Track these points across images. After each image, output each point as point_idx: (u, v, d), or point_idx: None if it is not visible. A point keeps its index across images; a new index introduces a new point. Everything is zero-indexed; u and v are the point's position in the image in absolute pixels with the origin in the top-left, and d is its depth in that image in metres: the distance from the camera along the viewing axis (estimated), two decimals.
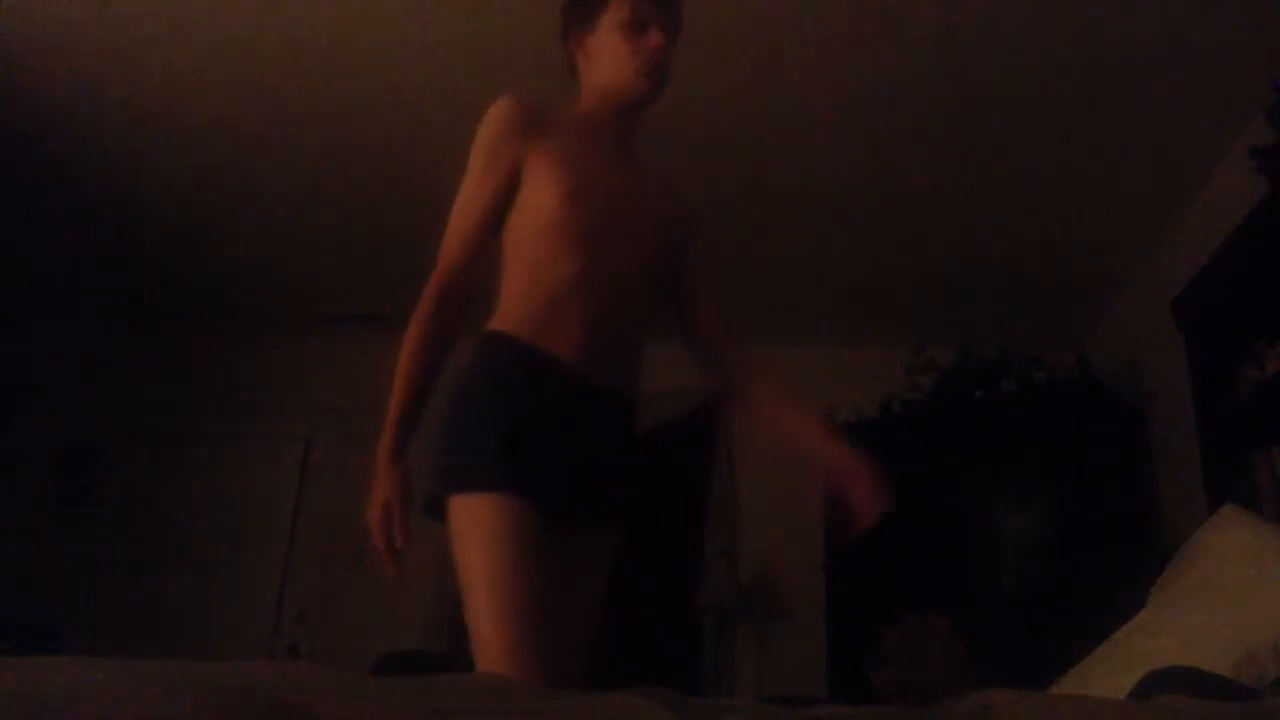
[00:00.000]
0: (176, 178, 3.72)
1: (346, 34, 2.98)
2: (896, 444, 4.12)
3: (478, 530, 1.49)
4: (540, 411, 1.57)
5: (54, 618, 4.15)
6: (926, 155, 3.40)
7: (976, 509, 3.87)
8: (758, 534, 4.46)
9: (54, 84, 3.24)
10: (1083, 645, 2.18)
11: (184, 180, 3.74)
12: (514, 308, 1.65)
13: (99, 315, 4.82)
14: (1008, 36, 2.85)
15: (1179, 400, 3.24)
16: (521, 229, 1.66)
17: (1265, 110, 2.63)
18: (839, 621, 4.01)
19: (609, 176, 1.72)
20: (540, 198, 1.64)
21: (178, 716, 0.56)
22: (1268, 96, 2.61)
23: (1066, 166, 3.41)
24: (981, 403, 4.04)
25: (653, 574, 4.09)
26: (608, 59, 1.74)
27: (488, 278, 1.70)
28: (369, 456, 1.69)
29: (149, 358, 4.90)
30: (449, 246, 1.67)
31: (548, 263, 1.63)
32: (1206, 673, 1.31)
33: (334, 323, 4.76)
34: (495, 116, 1.71)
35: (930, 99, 3.13)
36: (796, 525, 4.34)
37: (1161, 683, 1.23)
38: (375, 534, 1.58)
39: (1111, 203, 3.58)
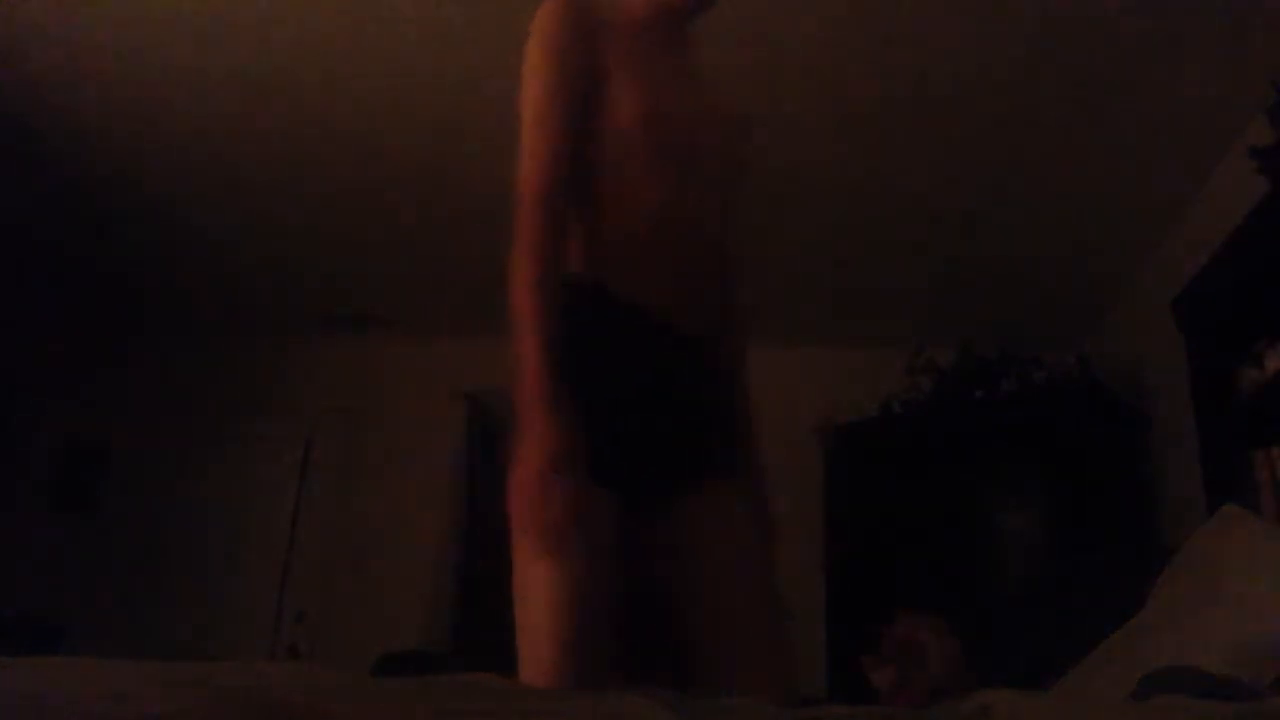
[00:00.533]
0: (177, 178, 3.72)
1: (349, 34, 2.98)
2: (896, 444, 4.14)
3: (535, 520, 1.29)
4: (624, 373, 1.38)
5: (54, 618, 4.15)
6: (926, 155, 3.40)
7: (976, 509, 3.87)
8: None
9: (55, 84, 3.24)
10: (1083, 645, 2.17)
11: (184, 180, 3.74)
12: (589, 249, 1.42)
13: (99, 315, 4.82)
14: (1008, 36, 2.85)
15: (1179, 400, 3.24)
16: (593, 156, 1.43)
17: (1265, 110, 2.63)
18: (839, 621, 4.01)
19: (680, 91, 1.53)
20: (616, 118, 1.43)
21: (178, 716, 0.56)
22: (1268, 96, 2.61)
23: (1067, 166, 3.41)
24: (981, 403, 4.04)
25: None
26: None
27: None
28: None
29: (149, 358, 4.90)
30: (538, 153, 1.40)
31: (627, 195, 1.42)
32: (1206, 673, 1.30)
33: (334, 323, 4.76)
34: (552, 17, 1.46)
35: (930, 99, 3.13)
36: (796, 525, 4.34)
37: (1161, 683, 1.23)
38: (533, 506, 1.24)
39: (1111, 203, 3.58)
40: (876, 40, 2.90)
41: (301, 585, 4.53)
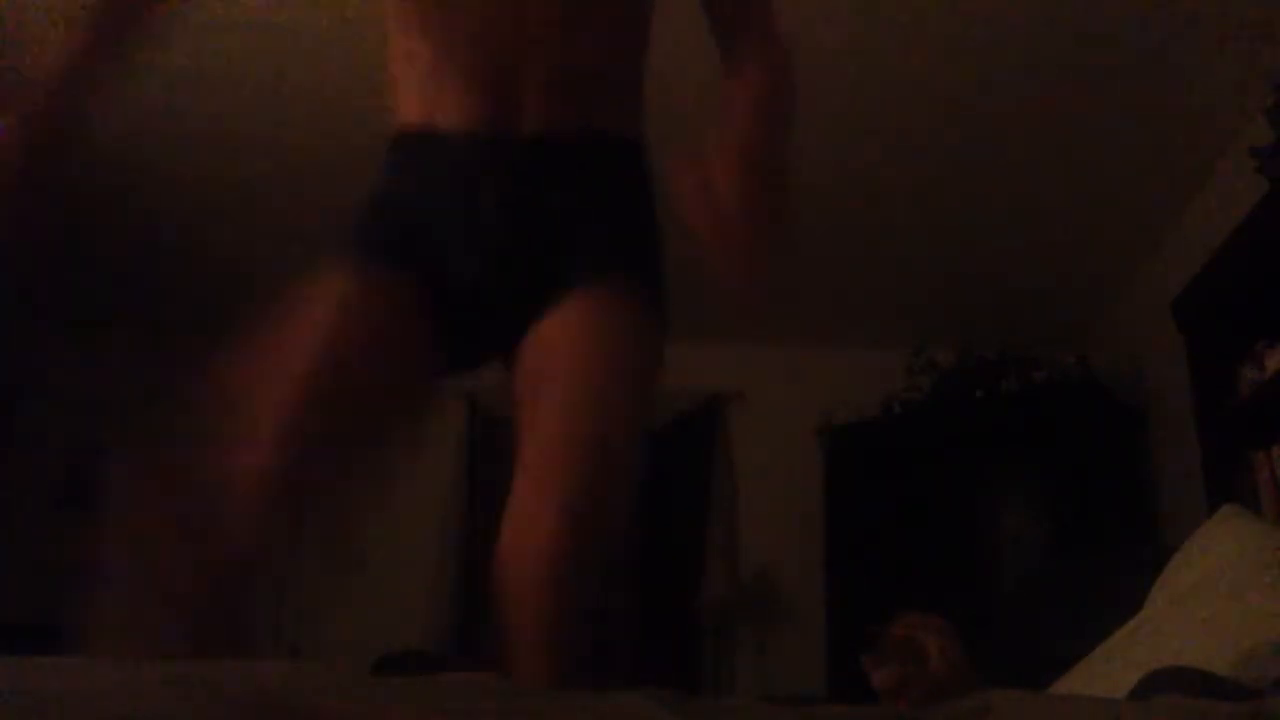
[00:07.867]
0: (176, 178, 3.72)
1: (348, 32, 2.98)
2: (896, 444, 4.14)
3: None
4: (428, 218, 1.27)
5: (54, 618, 4.15)
6: (928, 156, 3.40)
7: (976, 509, 3.87)
8: (758, 534, 4.46)
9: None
10: (1083, 645, 2.18)
11: (184, 180, 3.74)
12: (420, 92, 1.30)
13: (99, 315, 4.82)
14: (1009, 37, 2.85)
15: (1179, 400, 3.24)
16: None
17: (1265, 110, 2.63)
18: (839, 621, 4.01)
19: None
20: None
21: (179, 717, 0.56)
22: (1268, 96, 2.61)
23: (1067, 166, 3.41)
24: (981, 403, 4.04)
25: (653, 574, 4.09)
26: None
27: None
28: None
29: (149, 358, 4.90)
30: None
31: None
32: (1206, 673, 1.30)
33: None
34: None
35: (932, 99, 3.13)
36: (796, 525, 4.34)
37: (1161, 683, 1.23)
38: None
39: (1111, 203, 3.58)
40: (876, 40, 2.90)
41: (301, 585, 4.52)
